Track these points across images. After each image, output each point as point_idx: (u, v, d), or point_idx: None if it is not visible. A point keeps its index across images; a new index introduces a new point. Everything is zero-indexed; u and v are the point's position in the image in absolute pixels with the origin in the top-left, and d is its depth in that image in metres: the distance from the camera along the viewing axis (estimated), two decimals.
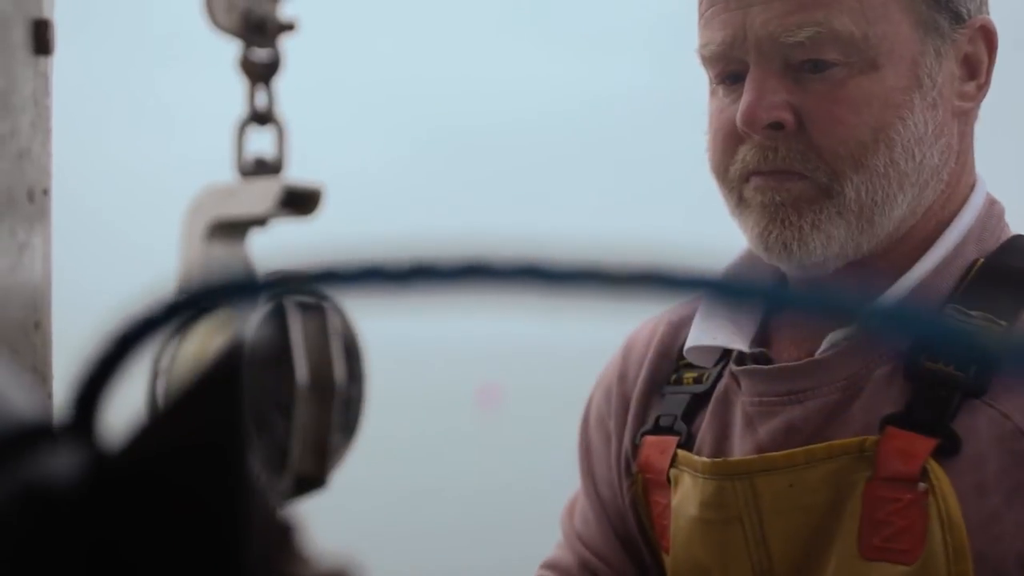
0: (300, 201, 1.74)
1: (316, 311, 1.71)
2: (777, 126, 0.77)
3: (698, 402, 0.87)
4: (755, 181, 0.79)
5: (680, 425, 0.86)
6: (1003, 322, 0.73)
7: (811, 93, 0.76)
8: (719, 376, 0.87)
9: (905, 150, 0.76)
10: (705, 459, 0.82)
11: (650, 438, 0.88)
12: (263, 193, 1.70)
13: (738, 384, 0.84)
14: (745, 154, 0.79)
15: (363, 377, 1.77)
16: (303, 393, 1.64)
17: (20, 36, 0.70)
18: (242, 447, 0.26)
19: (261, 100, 1.65)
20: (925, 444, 0.72)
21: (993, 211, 0.82)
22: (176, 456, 0.26)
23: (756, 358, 0.84)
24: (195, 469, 0.26)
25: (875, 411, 0.76)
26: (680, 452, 0.85)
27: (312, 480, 1.68)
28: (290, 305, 1.65)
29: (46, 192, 0.69)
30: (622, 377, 0.94)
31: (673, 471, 0.84)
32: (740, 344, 0.84)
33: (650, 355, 0.92)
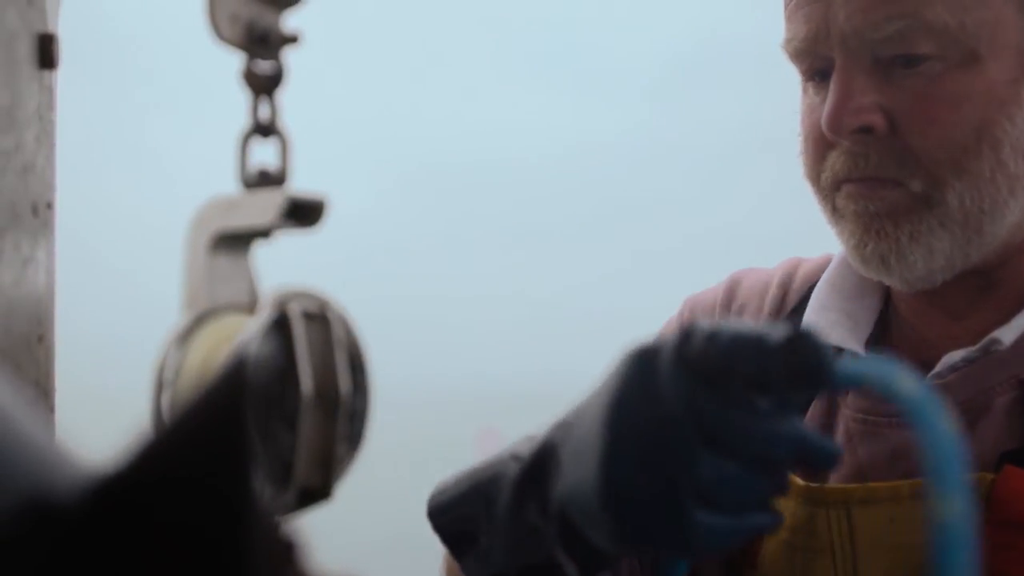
0: (304, 212, 1.74)
1: (320, 321, 1.71)
2: (866, 130, 0.69)
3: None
4: (847, 189, 0.71)
5: None
6: None
7: (904, 91, 0.68)
8: None
9: (1015, 150, 0.67)
10: (799, 481, 0.73)
11: None
12: (267, 204, 1.70)
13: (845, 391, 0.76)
14: (835, 161, 0.71)
15: (367, 388, 1.76)
16: (308, 404, 1.64)
17: (25, 50, 0.70)
18: (247, 464, 0.26)
19: (264, 112, 1.65)
20: None
21: None
22: (180, 474, 0.26)
23: None
24: (199, 488, 0.26)
25: (993, 445, 0.67)
26: None
27: (317, 492, 1.68)
28: (294, 315, 1.64)
29: (50, 206, 0.69)
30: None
31: None
32: (855, 345, 0.75)
33: (762, 319, 0.82)
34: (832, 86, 0.70)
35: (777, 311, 0.82)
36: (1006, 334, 0.69)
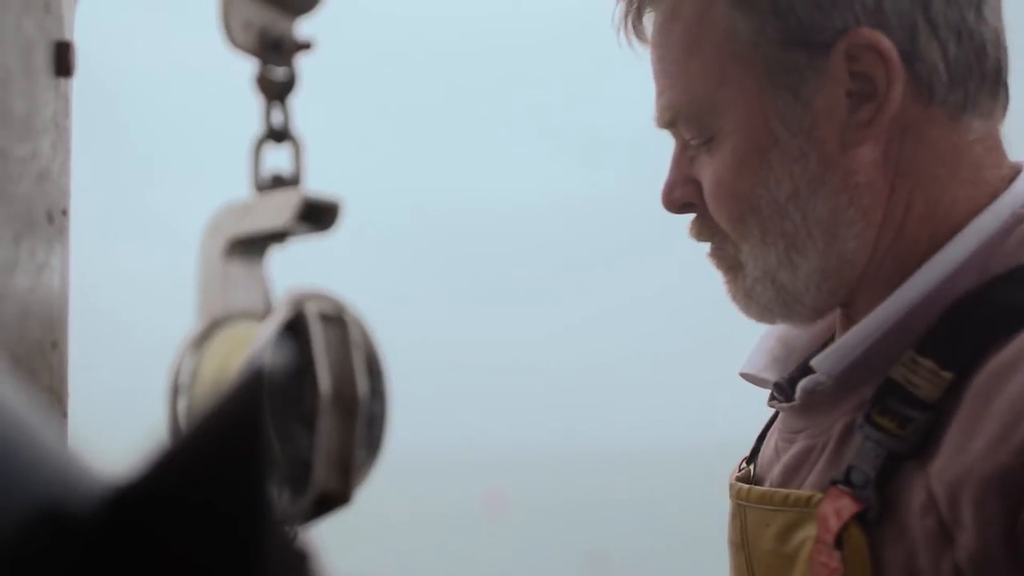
0: (318, 214, 1.73)
1: (337, 323, 1.71)
2: (688, 205, 0.77)
3: (771, 422, 0.84)
4: None
5: (755, 445, 0.84)
6: (948, 373, 0.65)
7: (702, 169, 0.76)
8: None
9: (776, 212, 0.72)
10: (734, 479, 0.80)
11: None
12: (281, 206, 1.70)
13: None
14: None
15: (385, 394, 1.76)
16: (327, 404, 1.63)
17: (42, 58, 0.70)
18: (263, 481, 0.26)
19: (277, 118, 1.65)
20: (851, 508, 0.67)
21: (1018, 231, 0.70)
22: (196, 491, 0.26)
23: (779, 387, 0.80)
24: (215, 505, 0.26)
25: (837, 464, 0.71)
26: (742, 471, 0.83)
27: (337, 497, 1.67)
28: (311, 316, 1.64)
29: (65, 212, 0.70)
30: None
31: None
32: (770, 373, 0.81)
33: None
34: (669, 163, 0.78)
35: None
36: (822, 362, 0.73)
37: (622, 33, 0.78)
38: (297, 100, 1.58)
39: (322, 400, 1.65)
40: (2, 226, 0.65)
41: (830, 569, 0.67)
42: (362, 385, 1.72)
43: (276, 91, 1.62)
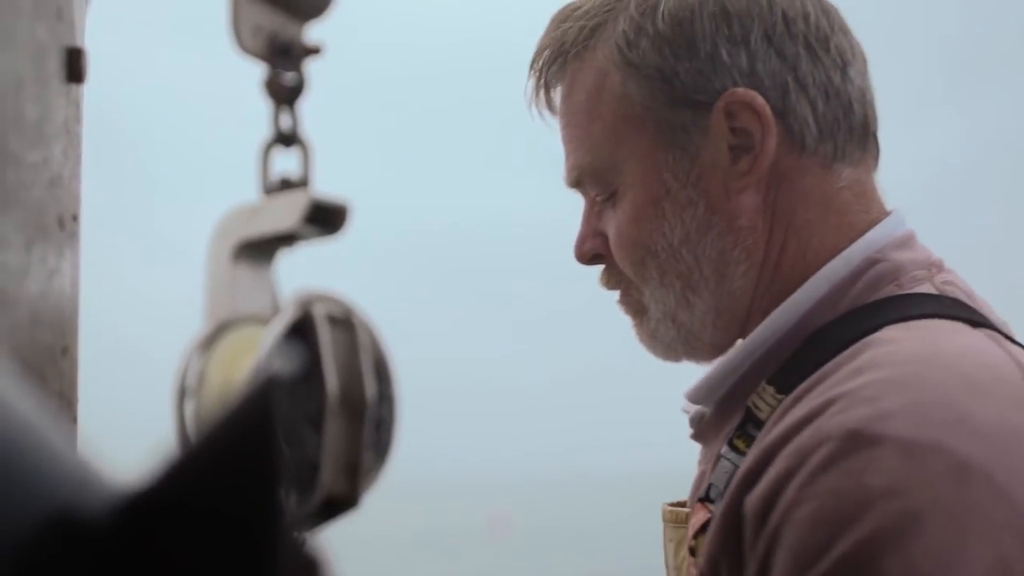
0: (326, 217, 1.74)
1: (345, 326, 1.71)
2: (597, 256, 0.85)
3: None
4: None
5: None
6: (782, 396, 0.73)
7: (608, 222, 0.83)
8: None
9: (672, 256, 0.80)
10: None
11: None
12: (289, 208, 1.70)
13: None
14: None
15: (393, 398, 1.76)
16: (334, 406, 1.63)
17: (54, 65, 0.71)
18: (275, 483, 0.26)
19: (285, 122, 1.65)
20: (700, 519, 0.74)
21: (867, 275, 0.77)
22: (208, 500, 0.26)
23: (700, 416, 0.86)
24: (227, 514, 0.26)
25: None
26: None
27: (344, 500, 1.67)
28: (319, 318, 1.65)
29: (75, 218, 0.70)
30: None
31: None
32: (690, 405, 0.86)
33: None
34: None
35: None
36: (691, 394, 0.81)
37: (534, 107, 0.86)
38: (305, 105, 1.58)
39: (329, 402, 1.65)
40: (13, 232, 0.65)
41: (691, 574, 0.75)
42: (370, 388, 1.72)
43: (285, 95, 1.63)
